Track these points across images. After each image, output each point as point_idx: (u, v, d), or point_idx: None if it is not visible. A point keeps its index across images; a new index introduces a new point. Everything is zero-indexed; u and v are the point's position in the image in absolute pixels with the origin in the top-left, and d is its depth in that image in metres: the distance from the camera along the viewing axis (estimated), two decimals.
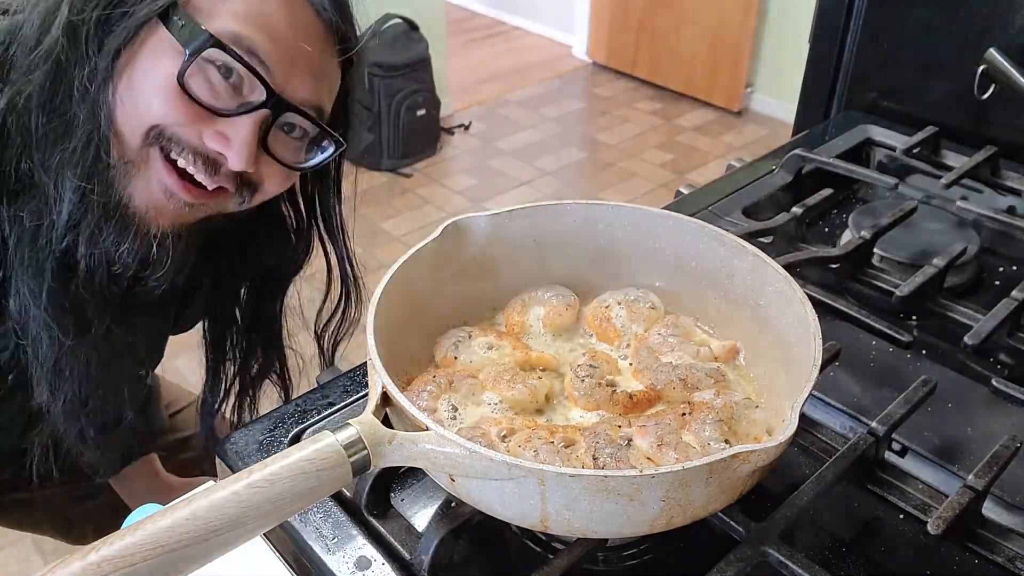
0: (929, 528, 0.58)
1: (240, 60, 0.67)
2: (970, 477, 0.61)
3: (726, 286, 0.70)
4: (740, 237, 0.69)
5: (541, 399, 0.64)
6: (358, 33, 0.76)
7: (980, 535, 0.62)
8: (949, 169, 1.03)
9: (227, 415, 1.01)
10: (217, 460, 0.71)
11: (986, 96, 1.02)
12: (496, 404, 0.63)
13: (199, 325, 0.98)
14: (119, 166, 0.69)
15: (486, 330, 0.70)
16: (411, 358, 0.67)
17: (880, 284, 0.88)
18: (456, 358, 0.67)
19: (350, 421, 0.51)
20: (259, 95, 0.69)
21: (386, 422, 0.54)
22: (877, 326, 0.78)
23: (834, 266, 0.88)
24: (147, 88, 0.67)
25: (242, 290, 0.93)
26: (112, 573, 0.42)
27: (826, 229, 1.03)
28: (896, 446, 0.68)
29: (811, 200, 0.96)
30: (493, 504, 0.53)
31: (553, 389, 0.66)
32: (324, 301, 0.94)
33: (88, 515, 1.14)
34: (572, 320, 0.72)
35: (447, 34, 3.94)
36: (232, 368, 0.96)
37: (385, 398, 0.55)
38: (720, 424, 0.58)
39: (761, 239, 0.91)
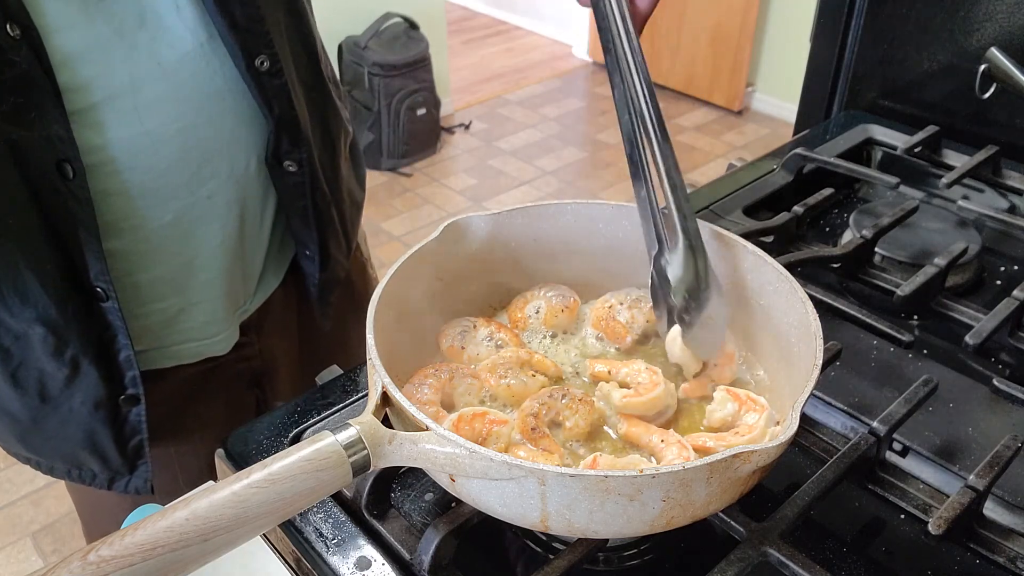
0: (930, 528, 0.58)
1: None
2: (971, 477, 0.61)
3: (726, 286, 0.70)
4: (741, 236, 0.69)
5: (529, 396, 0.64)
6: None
7: (981, 535, 0.62)
8: (950, 168, 1.03)
9: None
10: (217, 460, 0.70)
11: (987, 95, 1.02)
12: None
13: None
14: None
15: (489, 321, 0.71)
16: (411, 358, 0.67)
17: (881, 284, 0.88)
18: (463, 348, 0.68)
19: (350, 421, 0.51)
20: None
21: (386, 422, 0.54)
22: (878, 326, 0.78)
23: (835, 266, 0.88)
24: None
25: None
26: (112, 573, 0.42)
27: (827, 229, 1.03)
28: (897, 446, 0.68)
29: (812, 199, 0.96)
30: (493, 504, 0.53)
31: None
32: None
33: None
34: (572, 319, 0.72)
35: (447, 33, 3.95)
36: None
37: (385, 398, 0.55)
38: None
39: (762, 238, 0.91)
